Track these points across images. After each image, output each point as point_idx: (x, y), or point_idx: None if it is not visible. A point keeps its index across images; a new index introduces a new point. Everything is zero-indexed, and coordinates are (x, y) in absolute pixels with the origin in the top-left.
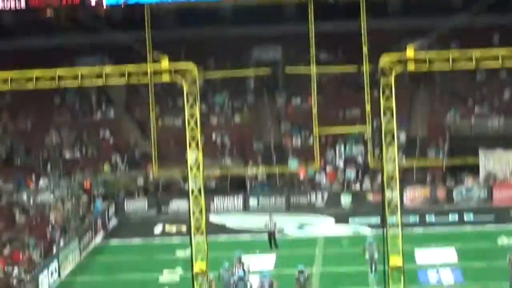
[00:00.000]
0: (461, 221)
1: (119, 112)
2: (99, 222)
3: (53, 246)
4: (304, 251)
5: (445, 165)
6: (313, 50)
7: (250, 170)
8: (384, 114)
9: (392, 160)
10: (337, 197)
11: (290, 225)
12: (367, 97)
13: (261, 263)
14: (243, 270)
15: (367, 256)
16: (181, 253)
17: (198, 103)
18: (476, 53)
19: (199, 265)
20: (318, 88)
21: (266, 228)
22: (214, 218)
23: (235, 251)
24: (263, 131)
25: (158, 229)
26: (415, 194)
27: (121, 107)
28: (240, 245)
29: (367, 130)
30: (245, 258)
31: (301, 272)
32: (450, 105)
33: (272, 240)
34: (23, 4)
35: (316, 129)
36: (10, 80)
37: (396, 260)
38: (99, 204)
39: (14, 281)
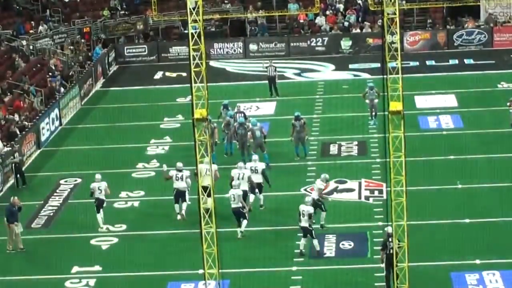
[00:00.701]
0: (461, 66)
1: None
2: (99, 68)
3: (54, 93)
4: (303, 96)
5: (446, 8)
6: None
7: (250, 15)
8: None
9: (393, 3)
10: (337, 41)
11: (290, 71)
12: None
13: (261, 109)
14: (244, 116)
15: (367, 101)
16: (181, 100)
17: None
18: None
19: (199, 111)
20: None
21: (265, 70)
22: (214, 64)
23: (224, 100)
24: None
25: (158, 75)
26: (415, 38)
27: None
28: (240, 92)
29: None
30: (247, 105)
31: (297, 118)
32: None
33: (272, 87)
34: None
35: None
36: None
37: (396, 105)
38: (99, 50)
39: (16, 129)
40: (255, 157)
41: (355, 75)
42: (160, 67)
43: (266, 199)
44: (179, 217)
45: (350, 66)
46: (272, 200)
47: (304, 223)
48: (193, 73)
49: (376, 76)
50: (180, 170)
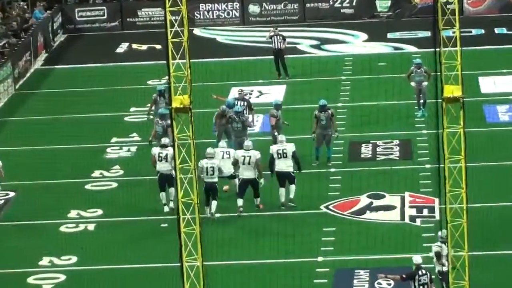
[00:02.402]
0: None
1: None
2: (40, 39)
3: None
4: (324, 77)
5: None
6: None
7: None
8: None
9: None
10: (371, 0)
11: (305, 42)
12: None
13: (265, 95)
14: (248, 106)
15: (413, 84)
16: (154, 82)
17: None
18: None
19: (179, 99)
20: None
21: (270, 41)
22: (200, 33)
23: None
24: None
25: (122, 48)
26: None
27: None
28: (236, 72)
29: None
30: (245, 89)
31: (322, 108)
32: None
33: (279, 64)
34: None
35: None
36: None
37: (453, 90)
38: (40, 13)
39: None
40: (281, 137)
41: (395, 48)
42: (125, 36)
43: (274, 218)
44: (166, 209)
45: (389, 35)
46: (282, 220)
47: (442, 266)
48: (170, 45)
49: (424, 49)
50: (165, 146)
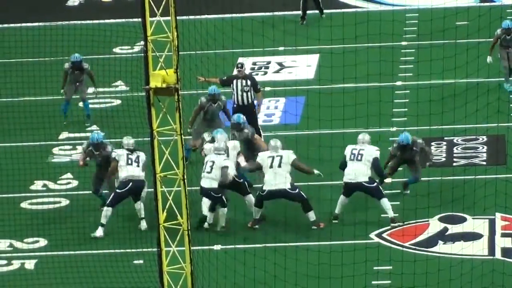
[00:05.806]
0: None
1: None
2: None
3: None
4: (375, 43)
5: None
6: None
7: None
8: None
9: None
10: None
11: None
12: None
13: (289, 70)
14: (253, 86)
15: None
16: (123, 50)
17: None
18: None
19: (161, 75)
20: None
21: None
22: None
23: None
24: None
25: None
26: None
27: None
28: (246, 33)
29: None
30: (258, 61)
31: (404, 148)
32: None
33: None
34: None
35: None
36: None
37: None
38: None
39: None
40: (364, 136)
41: None
42: None
43: (302, 251)
44: (143, 227)
45: None
46: (313, 253)
47: None
48: None
49: None
50: (132, 150)
